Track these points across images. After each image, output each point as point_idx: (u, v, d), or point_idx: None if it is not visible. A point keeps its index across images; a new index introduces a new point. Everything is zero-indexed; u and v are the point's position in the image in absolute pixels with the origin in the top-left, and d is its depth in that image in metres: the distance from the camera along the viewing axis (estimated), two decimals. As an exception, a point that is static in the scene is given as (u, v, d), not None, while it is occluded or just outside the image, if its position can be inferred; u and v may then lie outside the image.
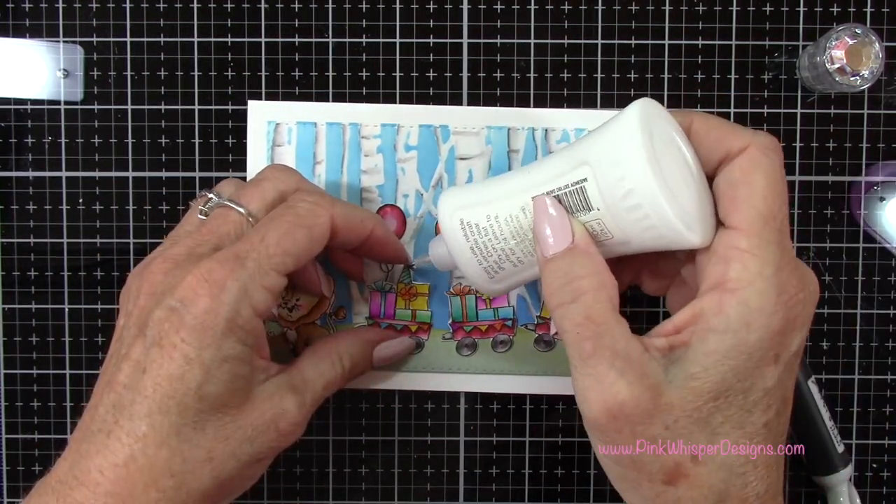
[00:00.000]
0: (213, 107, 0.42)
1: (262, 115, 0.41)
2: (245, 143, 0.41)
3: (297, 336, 0.42)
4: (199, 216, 0.35)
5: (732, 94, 0.41)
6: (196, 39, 0.42)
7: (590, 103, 0.41)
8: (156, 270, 0.32)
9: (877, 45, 0.38)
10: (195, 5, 0.41)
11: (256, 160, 0.41)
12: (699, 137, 0.31)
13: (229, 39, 0.42)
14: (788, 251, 0.29)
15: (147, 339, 0.31)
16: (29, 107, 0.42)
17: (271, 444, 0.33)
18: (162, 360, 0.30)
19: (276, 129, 0.41)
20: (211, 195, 0.35)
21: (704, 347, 0.29)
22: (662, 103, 0.41)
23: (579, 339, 0.29)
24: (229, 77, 0.42)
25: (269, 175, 0.35)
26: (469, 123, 0.41)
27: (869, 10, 0.41)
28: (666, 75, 0.41)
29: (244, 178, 0.41)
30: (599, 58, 0.41)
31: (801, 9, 0.41)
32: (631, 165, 0.29)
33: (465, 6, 0.41)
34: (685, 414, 0.29)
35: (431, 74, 0.41)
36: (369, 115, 0.41)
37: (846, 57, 0.38)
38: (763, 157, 0.29)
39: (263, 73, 0.41)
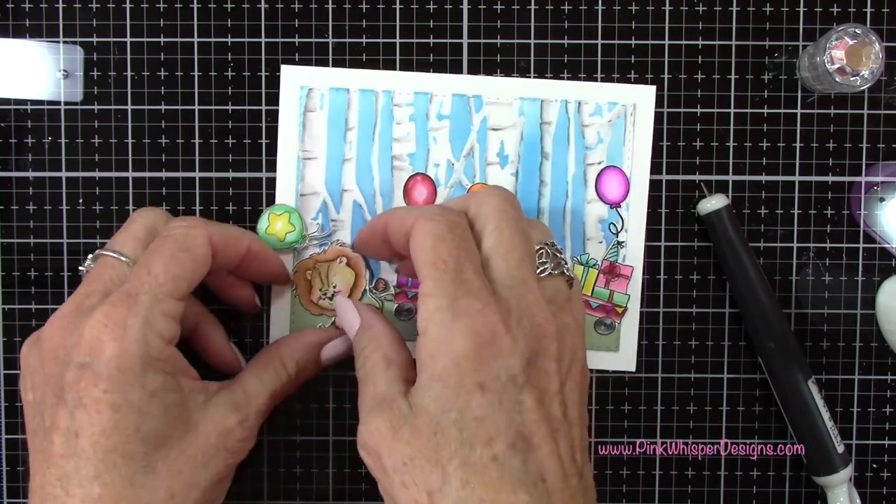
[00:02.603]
0: (213, 107, 0.42)
1: (296, 80, 0.41)
2: (245, 143, 0.42)
3: None
4: (81, 275, 0.36)
5: (732, 94, 0.41)
6: (196, 39, 0.42)
7: (590, 103, 0.41)
8: (52, 335, 0.33)
9: (877, 45, 0.38)
10: (195, 5, 0.41)
11: (288, 125, 0.41)
12: (393, 230, 0.35)
13: (229, 39, 0.42)
14: (468, 283, 0.31)
15: (68, 404, 0.31)
16: (29, 107, 0.42)
17: (226, 462, 0.34)
18: (91, 418, 0.30)
19: (308, 94, 0.41)
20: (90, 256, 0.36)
21: (417, 384, 0.31)
22: (663, 103, 0.41)
23: (361, 385, 0.33)
24: (229, 77, 0.42)
25: (136, 217, 0.36)
26: (502, 94, 0.41)
27: (869, 10, 0.41)
28: (666, 75, 0.41)
29: (252, 178, 0.41)
30: (599, 58, 0.41)
31: (801, 9, 0.41)
32: None
33: (465, 6, 0.41)
34: (417, 451, 0.29)
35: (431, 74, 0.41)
36: (402, 83, 0.41)
37: (846, 57, 0.38)
38: (427, 222, 0.32)
39: (263, 74, 0.41)
